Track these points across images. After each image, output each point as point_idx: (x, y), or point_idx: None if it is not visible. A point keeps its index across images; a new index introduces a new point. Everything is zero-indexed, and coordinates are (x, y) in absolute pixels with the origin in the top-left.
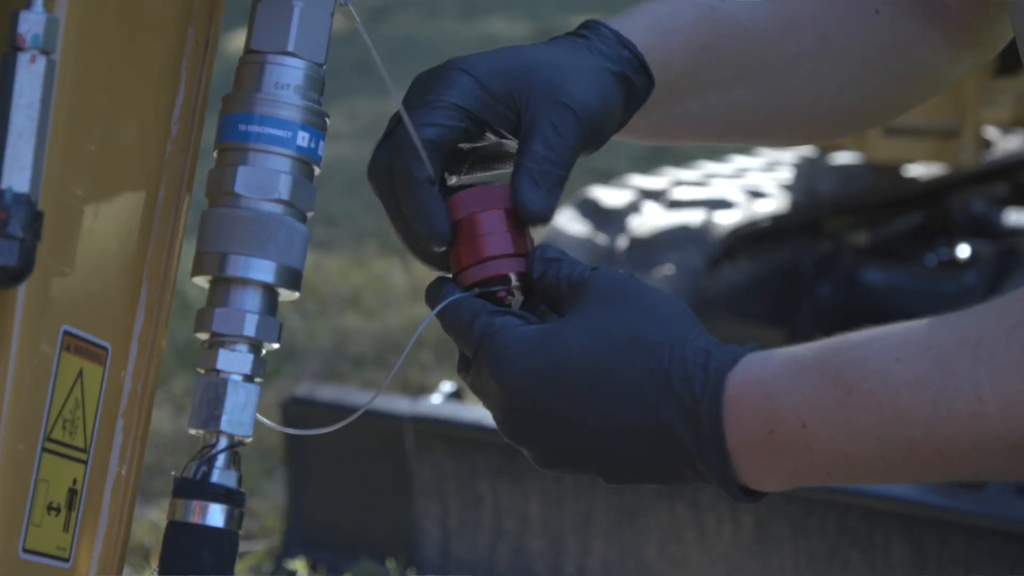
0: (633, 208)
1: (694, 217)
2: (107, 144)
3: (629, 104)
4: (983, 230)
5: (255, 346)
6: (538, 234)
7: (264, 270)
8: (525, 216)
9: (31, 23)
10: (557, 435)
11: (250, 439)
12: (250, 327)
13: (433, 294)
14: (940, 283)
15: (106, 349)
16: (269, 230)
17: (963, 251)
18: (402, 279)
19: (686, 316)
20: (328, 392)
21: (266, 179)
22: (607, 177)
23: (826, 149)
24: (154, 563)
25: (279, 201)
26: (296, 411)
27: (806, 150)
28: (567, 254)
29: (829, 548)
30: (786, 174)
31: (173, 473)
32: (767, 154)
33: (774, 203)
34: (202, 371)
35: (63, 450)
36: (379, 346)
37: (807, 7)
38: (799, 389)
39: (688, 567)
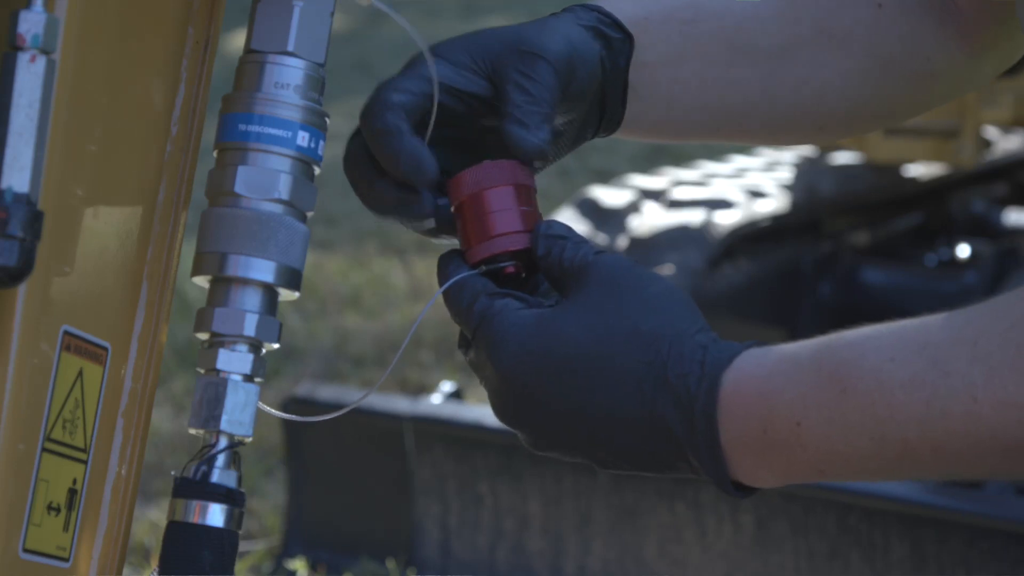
0: (633, 208)
1: (694, 217)
2: (107, 144)
3: (611, 56)
4: (983, 230)
5: (255, 346)
6: None
7: (264, 270)
8: (521, 155)
9: (31, 23)
10: (550, 420)
11: (250, 439)
12: (250, 327)
13: (443, 269)
14: (940, 283)
15: (106, 349)
16: (269, 230)
17: (963, 251)
18: (402, 279)
19: (687, 308)
20: (328, 392)
21: (266, 179)
22: (607, 177)
23: (826, 149)
24: (154, 563)
25: (279, 201)
26: (296, 411)
27: (806, 150)
28: (573, 231)
29: (829, 547)
30: (786, 174)
31: (173, 473)
32: (767, 154)
33: (774, 203)
34: (202, 371)
35: (63, 450)
36: (379, 346)
37: None
38: (793, 387)
39: (688, 566)
